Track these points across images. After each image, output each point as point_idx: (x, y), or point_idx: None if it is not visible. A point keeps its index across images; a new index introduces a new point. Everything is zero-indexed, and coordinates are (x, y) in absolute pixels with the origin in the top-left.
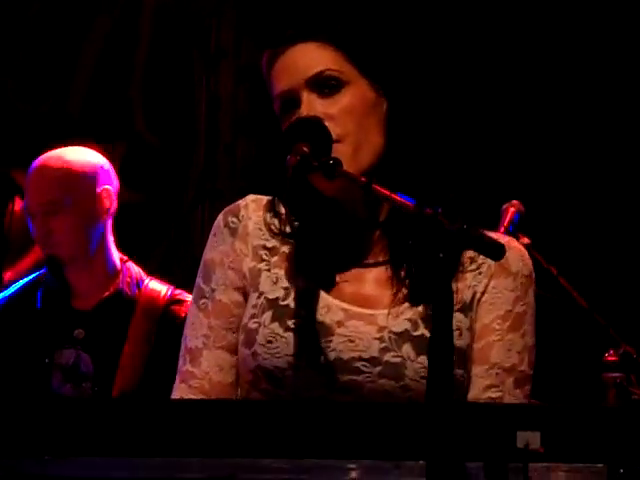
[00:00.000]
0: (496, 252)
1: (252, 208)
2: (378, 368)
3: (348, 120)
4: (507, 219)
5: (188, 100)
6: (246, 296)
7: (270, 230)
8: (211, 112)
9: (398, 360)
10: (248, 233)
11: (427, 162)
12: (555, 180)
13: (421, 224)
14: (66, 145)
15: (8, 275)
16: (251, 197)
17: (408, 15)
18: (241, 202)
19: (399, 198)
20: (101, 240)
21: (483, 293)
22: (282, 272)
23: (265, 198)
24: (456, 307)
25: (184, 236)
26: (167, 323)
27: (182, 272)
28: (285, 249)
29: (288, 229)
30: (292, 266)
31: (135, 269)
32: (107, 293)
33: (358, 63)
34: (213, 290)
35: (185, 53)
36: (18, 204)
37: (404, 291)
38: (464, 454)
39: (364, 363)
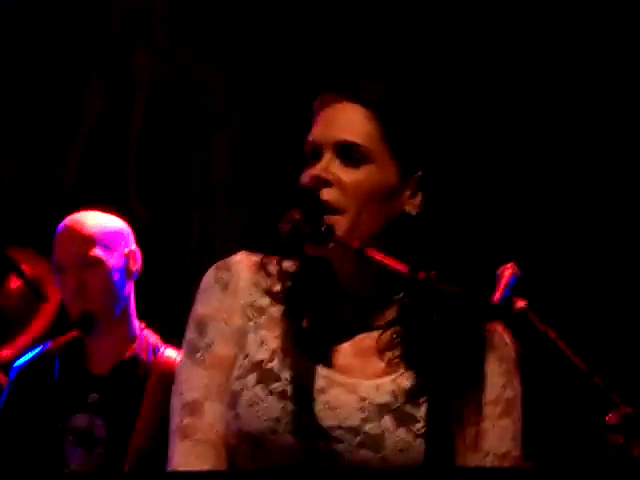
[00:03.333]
0: (492, 314)
1: (243, 265)
2: (358, 438)
3: (355, 196)
4: (503, 282)
5: (182, 174)
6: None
7: (260, 288)
8: (205, 184)
9: (378, 432)
10: (238, 290)
11: (423, 233)
12: (551, 242)
13: (414, 288)
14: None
15: (5, 353)
16: (243, 253)
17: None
18: (232, 258)
19: (392, 262)
20: (127, 302)
21: None
22: (269, 334)
23: (256, 256)
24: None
25: (185, 307)
26: None
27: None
28: (273, 310)
29: (278, 288)
30: (279, 329)
31: (152, 336)
32: (123, 358)
33: (394, 145)
34: (209, 344)
35: (178, 128)
36: (14, 282)
37: (388, 362)
38: None
39: (343, 432)
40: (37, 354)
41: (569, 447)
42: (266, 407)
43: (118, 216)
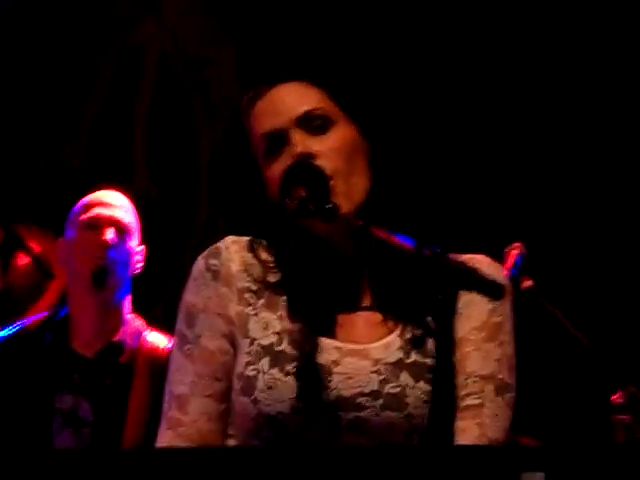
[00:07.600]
0: (497, 292)
1: (233, 250)
2: (380, 401)
3: (338, 158)
4: (510, 262)
5: (190, 150)
6: (233, 342)
7: (253, 275)
8: (213, 161)
9: (398, 390)
10: (232, 275)
11: (415, 201)
12: (558, 222)
13: (421, 265)
14: (70, 200)
15: None
16: (231, 238)
17: (386, 58)
18: (221, 244)
19: (397, 240)
20: (128, 288)
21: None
22: (271, 316)
23: (245, 239)
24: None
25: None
26: None
27: None
28: (270, 292)
29: (271, 278)
30: (280, 309)
31: (137, 321)
32: (109, 341)
33: (341, 102)
34: (198, 336)
35: (186, 103)
36: (21, 259)
37: (389, 319)
38: None
39: (366, 398)
40: (16, 331)
41: (574, 426)
42: (286, 387)
43: (126, 193)
